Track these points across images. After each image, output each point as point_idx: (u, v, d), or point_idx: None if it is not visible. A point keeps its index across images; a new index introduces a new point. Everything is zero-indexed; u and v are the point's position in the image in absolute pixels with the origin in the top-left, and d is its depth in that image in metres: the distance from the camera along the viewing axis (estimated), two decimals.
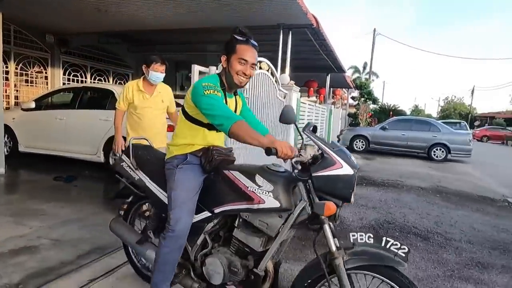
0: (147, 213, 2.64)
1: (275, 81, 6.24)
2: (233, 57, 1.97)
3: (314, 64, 11.60)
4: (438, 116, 53.48)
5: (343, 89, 20.38)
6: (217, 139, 2.11)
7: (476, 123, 42.92)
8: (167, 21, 7.52)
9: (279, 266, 2.05)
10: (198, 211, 2.01)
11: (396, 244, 1.71)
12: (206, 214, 2.00)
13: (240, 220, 1.94)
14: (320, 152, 1.75)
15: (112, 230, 2.48)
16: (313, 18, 6.89)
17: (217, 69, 4.35)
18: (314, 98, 16.89)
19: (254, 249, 1.89)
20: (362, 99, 18.66)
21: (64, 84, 10.01)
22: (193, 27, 7.92)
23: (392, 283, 1.68)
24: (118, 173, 2.43)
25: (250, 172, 1.90)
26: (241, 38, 1.97)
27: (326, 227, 1.74)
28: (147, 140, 2.59)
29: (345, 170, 1.68)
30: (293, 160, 1.75)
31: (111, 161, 5.89)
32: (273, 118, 6.21)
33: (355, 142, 14.14)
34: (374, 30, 25.42)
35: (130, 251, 2.58)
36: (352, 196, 1.71)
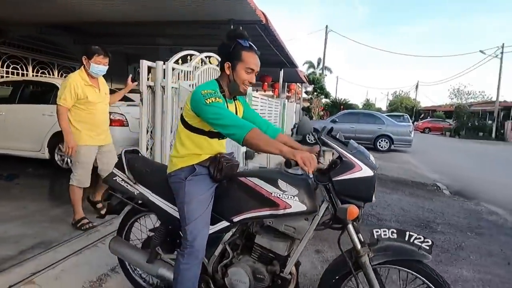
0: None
1: None
2: (239, 66, 1.90)
3: (267, 59, 11.86)
4: (387, 109, 56.81)
5: (297, 84, 21.00)
6: (222, 146, 2.03)
7: (422, 116, 46.23)
8: (116, 13, 7.33)
9: (299, 266, 2.06)
10: (214, 221, 1.97)
11: (420, 238, 1.77)
12: (223, 224, 1.96)
13: (260, 226, 1.95)
14: (338, 155, 1.77)
15: (113, 251, 2.33)
16: (262, 15, 7.10)
17: (164, 64, 4.43)
18: (270, 93, 17.31)
19: (279, 254, 1.90)
20: (315, 93, 19.37)
21: (2, 77, 9.36)
22: (144, 20, 7.80)
23: (419, 276, 1.74)
24: (112, 189, 2.31)
25: (270, 177, 1.88)
26: (245, 45, 1.90)
27: (350, 227, 1.79)
28: (138, 150, 2.43)
29: (365, 172, 1.71)
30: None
31: (56, 158, 5.71)
32: None
33: (308, 135, 14.73)
34: (326, 27, 26.38)
35: (127, 265, 2.47)
36: (373, 196, 1.74)
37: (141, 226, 2.50)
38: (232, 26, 7.37)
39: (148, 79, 4.37)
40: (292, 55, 11.73)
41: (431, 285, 1.72)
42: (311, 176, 1.84)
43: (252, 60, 1.91)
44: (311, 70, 40.26)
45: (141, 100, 4.32)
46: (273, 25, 8.03)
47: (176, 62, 4.65)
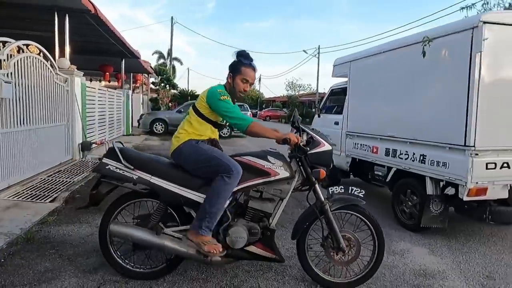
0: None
1: (51, 65, 6.16)
2: (238, 77, 2.60)
3: (106, 48, 11.48)
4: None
5: (144, 75, 20.69)
6: (216, 133, 2.69)
7: (264, 106, 51.97)
8: None
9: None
10: None
11: (358, 190, 2.62)
12: None
13: (249, 194, 2.53)
14: (309, 136, 2.56)
15: (115, 233, 2.53)
16: (90, 4, 7.03)
17: None
18: (115, 84, 16.56)
19: (268, 212, 2.54)
20: (162, 84, 19.56)
21: None
22: None
23: (358, 214, 2.61)
24: (106, 177, 2.52)
25: (261, 155, 2.54)
26: (245, 62, 2.61)
27: (317, 186, 2.56)
28: (106, 141, 2.61)
29: (327, 147, 2.56)
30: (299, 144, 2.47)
31: None
32: (53, 103, 6.15)
33: (155, 126, 14.97)
34: (172, 18, 26.58)
35: (112, 251, 2.63)
36: (332, 164, 2.57)
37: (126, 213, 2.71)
38: (56, 13, 7.03)
39: None
40: (140, 45, 11.73)
41: (365, 219, 2.61)
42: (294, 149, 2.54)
43: (248, 73, 2.61)
44: (162, 60, 39.68)
45: None
46: (107, 14, 8.00)
47: None
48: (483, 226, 4.20)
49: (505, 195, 3.50)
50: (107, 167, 2.50)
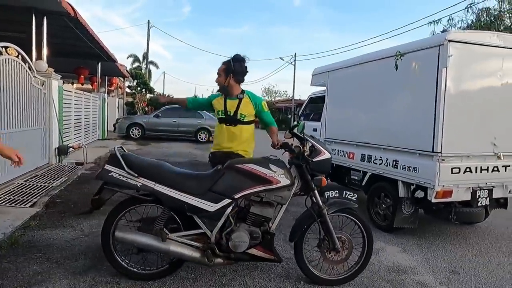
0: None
1: (29, 68, 6.06)
2: (232, 78, 3.19)
3: (83, 51, 11.28)
4: None
5: (120, 78, 20.35)
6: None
7: None
8: None
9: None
10: (217, 200, 2.53)
11: (351, 194, 2.77)
12: (226, 201, 2.54)
13: (250, 200, 2.61)
14: (311, 145, 2.69)
15: (120, 239, 2.56)
16: (70, 7, 6.96)
17: None
18: (90, 87, 16.19)
19: (268, 217, 2.64)
20: (138, 88, 19.32)
21: None
22: None
23: (351, 217, 2.81)
24: (108, 184, 2.53)
25: (263, 162, 2.62)
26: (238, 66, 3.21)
27: (316, 192, 2.70)
28: (123, 147, 2.70)
29: (327, 155, 2.70)
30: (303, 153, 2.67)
31: None
32: (30, 106, 6.03)
33: (131, 130, 14.77)
34: (148, 22, 26.37)
35: (113, 251, 2.65)
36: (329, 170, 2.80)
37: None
38: (34, 15, 6.91)
39: None
40: (114, 47, 11.57)
41: (358, 222, 2.81)
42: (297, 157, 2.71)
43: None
44: (137, 64, 39.04)
45: None
46: (85, 17, 7.93)
47: None
48: (449, 226, 4.55)
49: (468, 197, 3.84)
50: (110, 174, 2.51)
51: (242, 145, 3.26)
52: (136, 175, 2.50)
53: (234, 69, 3.17)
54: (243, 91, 3.30)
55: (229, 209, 2.56)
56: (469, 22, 10.17)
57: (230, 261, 2.67)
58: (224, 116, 3.26)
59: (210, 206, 2.53)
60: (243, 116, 3.23)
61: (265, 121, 3.37)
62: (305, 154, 2.64)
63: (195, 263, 2.73)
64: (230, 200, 2.55)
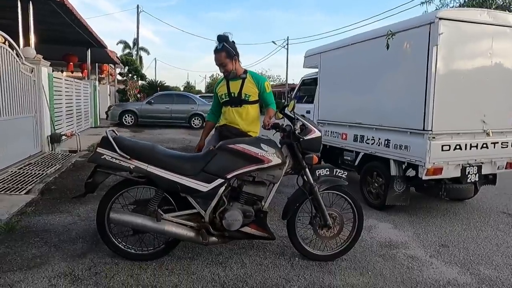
0: None
1: (17, 54, 5.95)
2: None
3: (71, 37, 11.06)
4: (205, 91, 60.63)
5: (111, 65, 20.05)
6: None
7: None
8: None
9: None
10: (210, 180, 2.57)
11: (341, 172, 2.84)
12: (218, 181, 2.59)
13: (243, 180, 2.66)
14: (301, 124, 2.69)
15: (115, 221, 2.58)
16: None
17: None
18: (80, 74, 15.95)
19: (261, 196, 2.69)
20: (130, 75, 19.07)
21: None
22: None
23: (342, 194, 2.86)
24: (101, 166, 2.55)
25: (254, 142, 2.65)
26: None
27: (307, 170, 2.74)
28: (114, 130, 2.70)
29: (318, 133, 2.73)
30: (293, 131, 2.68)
31: None
32: (20, 94, 5.95)
33: (124, 117, 14.65)
34: (138, 6, 25.84)
35: (109, 234, 2.69)
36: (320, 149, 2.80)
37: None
38: (19, 0, 6.73)
39: None
40: (103, 33, 11.37)
41: (348, 198, 2.87)
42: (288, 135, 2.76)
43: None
44: (127, 50, 38.42)
45: None
46: (73, 3, 7.76)
47: None
48: (440, 203, 4.66)
49: (457, 174, 3.93)
50: (102, 157, 2.53)
51: (251, 125, 3.29)
52: (129, 157, 2.52)
53: (234, 50, 3.15)
54: (245, 71, 3.29)
55: (222, 189, 2.61)
56: (461, 1, 10.14)
57: (225, 239, 2.73)
58: (228, 99, 3.26)
59: (203, 186, 2.58)
60: (247, 96, 3.23)
61: (266, 102, 3.34)
62: (296, 132, 2.67)
63: (190, 242, 2.78)
64: (222, 180, 2.60)
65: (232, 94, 3.25)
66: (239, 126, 3.25)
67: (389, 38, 3.96)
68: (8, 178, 4.89)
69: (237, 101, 3.23)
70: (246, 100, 3.23)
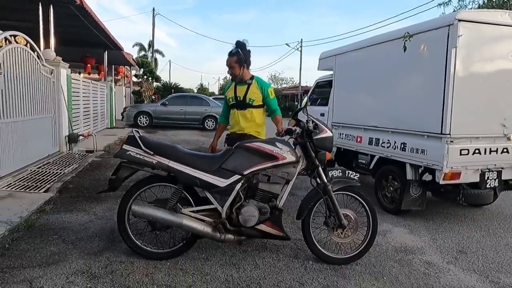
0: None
1: (37, 56, 6.12)
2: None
3: (89, 40, 11.30)
4: (219, 93, 61.06)
5: (126, 67, 20.40)
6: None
7: None
8: None
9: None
10: (227, 176, 2.68)
11: (353, 173, 2.90)
12: (235, 177, 2.69)
13: (259, 177, 2.76)
14: (314, 124, 2.79)
15: (137, 214, 2.68)
16: None
17: None
18: (96, 76, 16.28)
19: (276, 193, 2.78)
20: (145, 77, 19.35)
21: None
22: None
23: (355, 195, 2.88)
24: (126, 162, 2.70)
25: (270, 141, 2.79)
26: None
27: (320, 169, 2.80)
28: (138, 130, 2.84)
29: (329, 133, 2.82)
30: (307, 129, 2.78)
31: None
32: (40, 94, 6.11)
33: (139, 118, 14.86)
34: (153, 9, 26.22)
35: (128, 230, 2.78)
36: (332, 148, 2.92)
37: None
38: (40, 3, 6.92)
39: None
40: (119, 36, 11.58)
41: (361, 200, 2.89)
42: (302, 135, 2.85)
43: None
44: (143, 53, 39.00)
45: None
46: (91, 6, 7.93)
47: None
48: (457, 208, 4.56)
49: (476, 178, 3.83)
50: (127, 153, 2.70)
51: (254, 127, 3.42)
52: (152, 153, 2.68)
53: (245, 58, 3.36)
54: (252, 77, 3.44)
55: (239, 185, 2.72)
56: (480, 2, 9.92)
57: (240, 236, 2.78)
58: (234, 102, 3.43)
59: (221, 182, 2.69)
60: (251, 100, 3.38)
61: (270, 108, 3.49)
62: (310, 128, 2.76)
63: (207, 238, 2.82)
64: (239, 176, 2.71)
65: (238, 98, 3.41)
66: (243, 128, 3.39)
67: (406, 40, 3.91)
68: (27, 177, 5.03)
69: (242, 104, 3.39)
70: (250, 104, 3.38)
